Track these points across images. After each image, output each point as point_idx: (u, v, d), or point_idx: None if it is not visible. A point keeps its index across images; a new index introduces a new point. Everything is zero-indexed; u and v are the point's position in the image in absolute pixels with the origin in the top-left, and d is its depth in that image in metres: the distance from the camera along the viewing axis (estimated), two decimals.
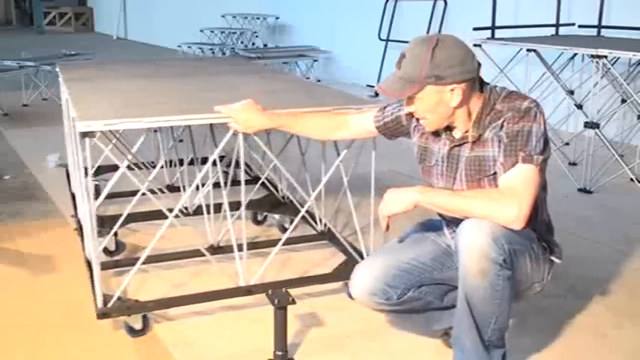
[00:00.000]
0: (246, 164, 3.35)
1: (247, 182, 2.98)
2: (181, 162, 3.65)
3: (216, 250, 2.96)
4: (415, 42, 1.98)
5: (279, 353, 2.23)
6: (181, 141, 4.28)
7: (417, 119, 2.08)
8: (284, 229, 3.40)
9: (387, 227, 2.06)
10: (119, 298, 2.44)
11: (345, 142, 2.73)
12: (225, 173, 3.34)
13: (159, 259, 2.87)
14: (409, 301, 2.17)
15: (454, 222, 2.05)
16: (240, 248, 2.65)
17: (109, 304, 2.42)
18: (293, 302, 2.17)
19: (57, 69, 3.86)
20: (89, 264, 2.76)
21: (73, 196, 3.72)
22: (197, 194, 3.45)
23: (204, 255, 2.81)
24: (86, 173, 2.51)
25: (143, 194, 2.69)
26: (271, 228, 3.48)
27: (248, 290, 2.60)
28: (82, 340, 2.42)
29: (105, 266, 2.72)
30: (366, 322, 2.52)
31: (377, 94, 2.81)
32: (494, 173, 1.99)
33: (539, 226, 2.08)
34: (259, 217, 3.51)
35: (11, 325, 2.52)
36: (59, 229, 3.50)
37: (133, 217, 2.91)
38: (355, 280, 2.18)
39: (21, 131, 5.83)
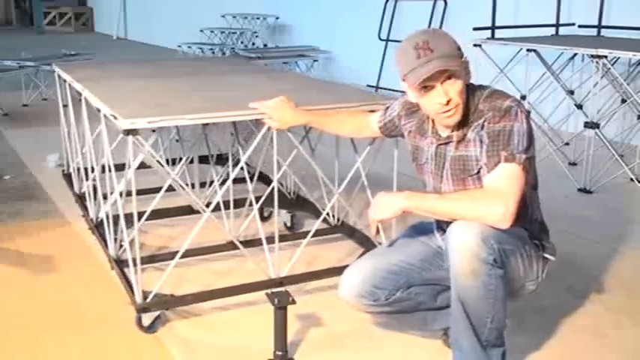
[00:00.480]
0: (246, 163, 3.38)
1: (250, 179, 3.01)
2: (192, 160, 3.69)
3: (236, 245, 2.99)
4: (419, 32, 1.98)
5: (279, 353, 2.23)
6: (177, 141, 4.32)
7: (447, 110, 1.98)
8: (286, 226, 3.47)
9: (377, 231, 2.09)
10: (156, 294, 2.48)
11: (365, 141, 2.80)
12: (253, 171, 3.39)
13: (192, 254, 2.88)
14: (398, 302, 2.18)
15: (444, 223, 2.06)
16: (270, 241, 2.73)
17: (148, 299, 2.45)
18: (293, 302, 2.17)
19: (56, 68, 3.86)
20: (117, 262, 2.82)
21: (79, 197, 3.73)
22: (206, 192, 3.56)
23: (232, 249, 2.92)
24: (109, 169, 2.54)
25: (171, 189, 2.82)
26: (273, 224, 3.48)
27: (280, 282, 2.68)
28: (82, 340, 2.42)
29: (126, 264, 2.76)
30: (366, 321, 2.52)
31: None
32: (478, 172, 2.00)
33: (531, 225, 2.08)
34: (265, 214, 3.53)
35: (11, 325, 2.53)
36: (59, 229, 3.50)
37: (151, 214, 2.93)
38: (343, 282, 2.20)
39: (21, 131, 5.83)
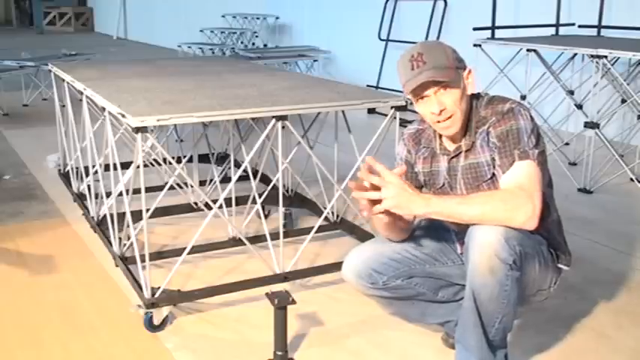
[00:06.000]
0: (236, 160, 3.42)
1: (245, 178, 3.03)
2: (191, 159, 3.72)
3: (237, 241, 3.03)
4: (420, 45, 1.99)
5: (279, 353, 2.23)
6: (182, 140, 4.35)
7: (442, 120, 1.98)
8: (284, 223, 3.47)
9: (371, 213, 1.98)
10: (164, 290, 2.50)
11: (363, 143, 2.82)
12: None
13: (196, 251, 2.88)
14: (396, 289, 2.17)
15: (463, 231, 2.05)
16: (273, 237, 2.77)
17: (157, 295, 2.47)
18: (293, 302, 2.17)
19: (52, 68, 3.87)
20: (122, 259, 2.85)
21: (79, 196, 3.74)
22: (206, 190, 3.60)
23: (233, 246, 3.02)
24: (114, 167, 2.54)
25: (172, 188, 2.89)
26: (272, 221, 3.49)
27: (285, 277, 2.72)
28: (82, 340, 2.42)
29: (130, 261, 2.80)
30: (367, 321, 2.53)
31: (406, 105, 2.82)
32: (491, 178, 2.01)
33: (551, 226, 2.08)
34: (265, 212, 3.54)
35: (11, 325, 2.53)
36: (59, 229, 3.50)
37: (153, 213, 2.94)
38: (345, 262, 2.20)
39: (21, 131, 5.84)
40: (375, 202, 1.90)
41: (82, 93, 3.14)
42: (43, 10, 17.72)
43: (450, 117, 1.97)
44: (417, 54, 1.94)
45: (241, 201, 3.28)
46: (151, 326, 2.45)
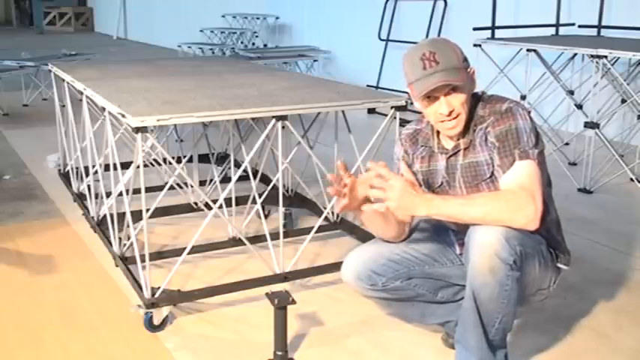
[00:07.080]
0: (236, 160, 3.41)
1: (245, 178, 3.02)
2: (191, 159, 3.72)
3: (237, 241, 3.03)
4: (428, 42, 1.99)
5: (280, 353, 2.23)
6: (182, 140, 4.35)
7: (449, 120, 1.99)
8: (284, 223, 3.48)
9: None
10: (164, 290, 2.50)
11: (363, 143, 2.82)
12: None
13: (196, 251, 2.88)
14: (395, 290, 2.17)
15: (462, 231, 2.05)
16: (273, 237, 2.78)
17: (156, 295, 2.47)
18: (293, 302, 2.17)
19: (52, 68, 3.87)
20: (122, 259, 2.86)
21: (79, 196, 3.74)
22: (206, 190, 3.61)
23: (233, 246, 3.03)
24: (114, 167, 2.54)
25: (172, 188, 2.91)
26: (272, 221, 3.49)
27: (285, 277, 2.72)
28: (82, 340, 2.42)
29: (130, 261, 2.80)
30: (367, 321, 2.53)
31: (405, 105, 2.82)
32: (490, 177, 2.01)
33: (550, 225, 2.08)
34: (265, 212, 3.54)
35: (11, 325, 2.53)
36: (59, 229, 3.50)
37: (153, 213, 2.95)
38: (345, 264, 2.21)
39: (21, 131, 5.84)
40: (368, 200, 1.92)
41: (82, 93, 3.14)
42: (43, 10, 17.72)
43: (456, 117, 1.98)
44: (429, 52, 1.92)
45: (241, 201, 3.28)
46: (151, 326, 2.45)
